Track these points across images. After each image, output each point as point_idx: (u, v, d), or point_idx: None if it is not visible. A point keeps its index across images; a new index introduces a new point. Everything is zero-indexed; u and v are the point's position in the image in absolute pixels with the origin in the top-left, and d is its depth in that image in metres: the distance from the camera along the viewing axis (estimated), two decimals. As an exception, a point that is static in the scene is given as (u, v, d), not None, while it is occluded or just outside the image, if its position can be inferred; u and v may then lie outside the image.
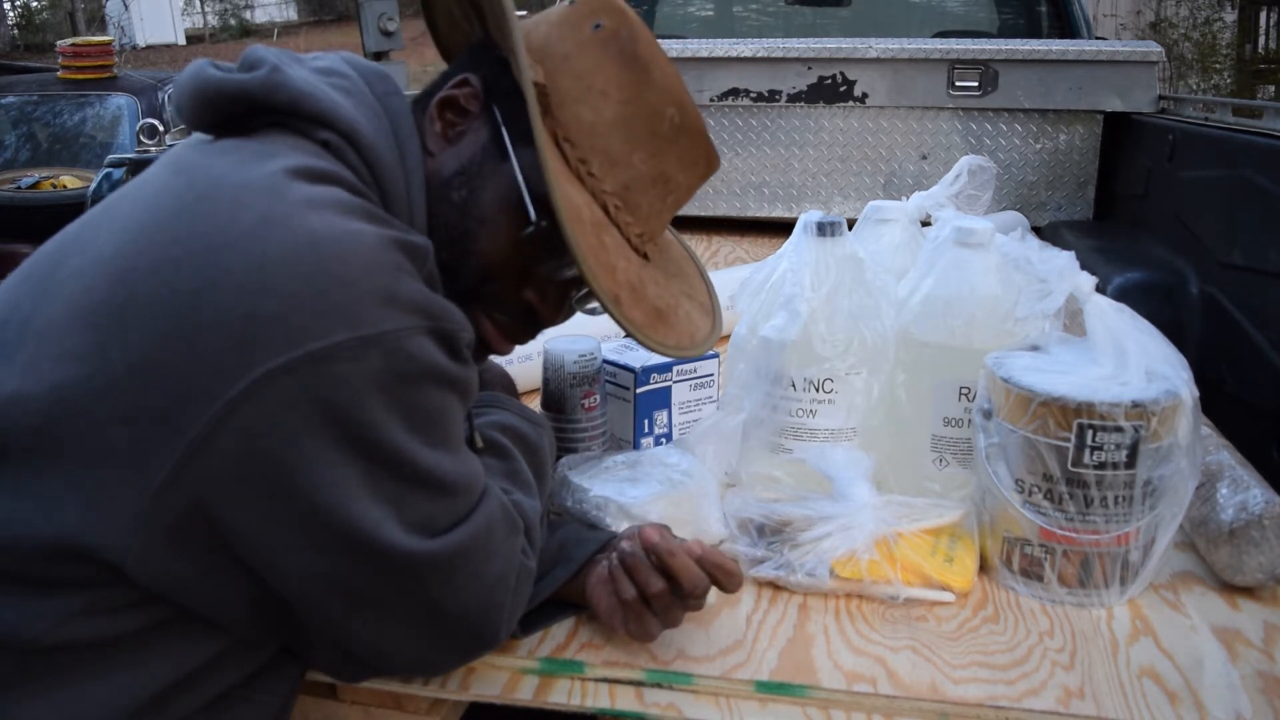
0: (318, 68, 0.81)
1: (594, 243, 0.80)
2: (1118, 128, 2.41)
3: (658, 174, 0.85)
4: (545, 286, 0.86)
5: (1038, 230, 2.33)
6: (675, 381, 1.23)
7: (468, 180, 0.82)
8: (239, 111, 0.77)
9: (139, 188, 0.74)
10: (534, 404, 1.50)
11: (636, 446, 1.20)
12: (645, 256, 0.89)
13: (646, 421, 1.22)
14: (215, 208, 0.67)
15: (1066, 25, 3.06)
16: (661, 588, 0.84)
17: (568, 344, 1.15)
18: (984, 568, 1.03)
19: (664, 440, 1.23)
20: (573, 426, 1.17)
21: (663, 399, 1.22)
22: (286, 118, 0.76)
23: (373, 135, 0.77)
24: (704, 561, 0.84)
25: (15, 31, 15.78)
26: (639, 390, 1.20)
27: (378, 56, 2.61)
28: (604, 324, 0.90)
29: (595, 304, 0.88)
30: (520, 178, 0.81)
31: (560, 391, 1.16)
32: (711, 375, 1.25)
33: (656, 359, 1.21)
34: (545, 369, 1.17)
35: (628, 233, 0.86)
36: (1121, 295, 1.66)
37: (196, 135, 0.79)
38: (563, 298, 0.87)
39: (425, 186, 0.82)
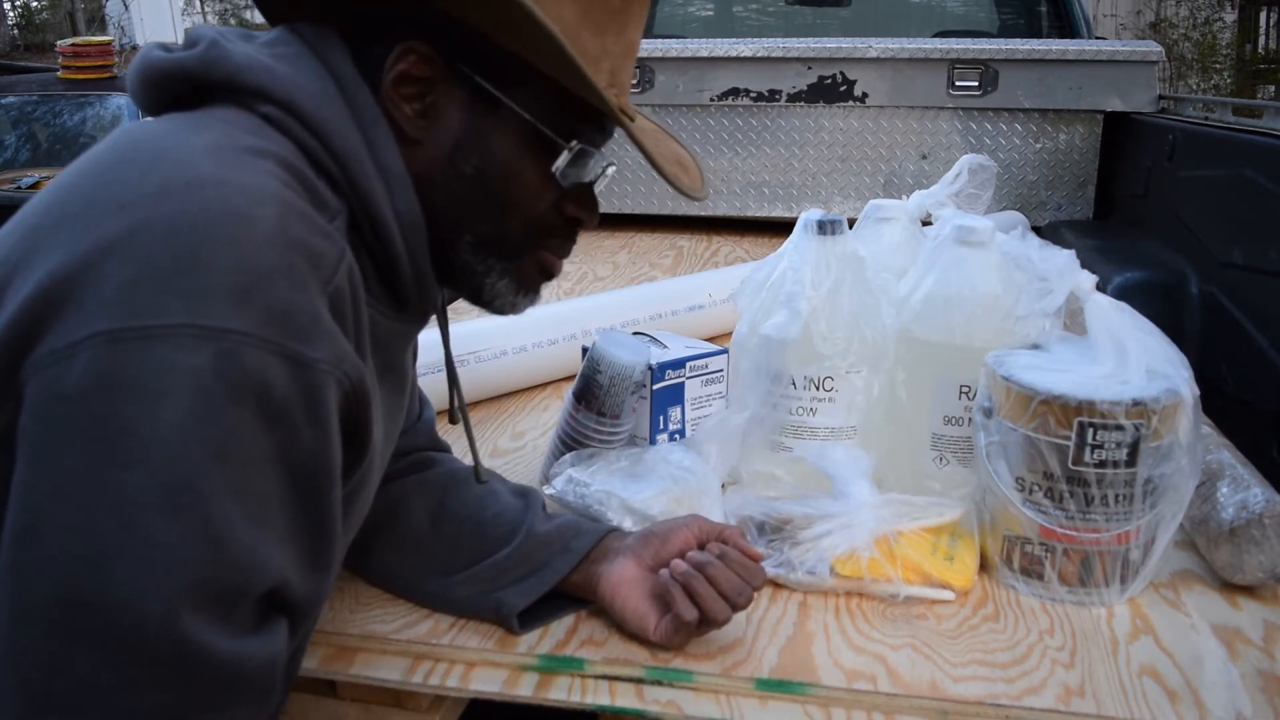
0: (264, 41, 0.79)
1: (640, 137, 0.80)
2: (1118, 128, 2.41)
3: (626, 46, 0.83)
4: (580, 195, 0.84)
5: (1038, 230, 2.33)
6: (688, 378, 1.23)
7: (473, 148, 0.79)
8: (183, 91, 0.75)
9: (77, 159, 0.72)
10: (537, 397, 1.50)
11: (653, 443, 1.20)
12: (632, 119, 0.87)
13: (662, 418, 1.22)
14: (126, 171, 0.65)
15: (1066, 25, 3.06)
16: (729, 616, 0.86)
17: (631, 355, 1.14)
18: (984, 566, 1.03)
19: (678, 436, 1.23)
20: (613, 426, 1.16)
21: (676, 395, 1.22)
22: (228, 93, 0.74)
23: (314, 100, 0.74)
24: (736, 567, 0.87)
25: (15, 31, 15.78)
26: (655, 386, 1.20)
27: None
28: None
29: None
30: (531, 119, 0.78)
31: (620, 397, 1.14)
32: (721, 371, 1.26)
33: (670, 355, 1.22)
34: (604, 375, 1.13)
35: (629, 111, 0.83)
36: (1121, 294, 1.65)
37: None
38: (592, 193, 0.86)
39: (429, 163, 0.78)
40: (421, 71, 0.77)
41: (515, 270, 0.84)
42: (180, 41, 0.80)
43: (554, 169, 0.80)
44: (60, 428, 0.59)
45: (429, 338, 0.96)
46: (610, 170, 0.87)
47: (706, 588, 0.86)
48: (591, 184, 0.85)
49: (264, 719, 0.67)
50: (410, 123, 0.78)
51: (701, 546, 0.91)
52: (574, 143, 0.79)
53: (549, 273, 0.86)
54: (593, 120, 0.81)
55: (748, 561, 0.88)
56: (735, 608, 0.86)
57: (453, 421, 0.98)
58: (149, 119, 0.76)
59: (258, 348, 0.60)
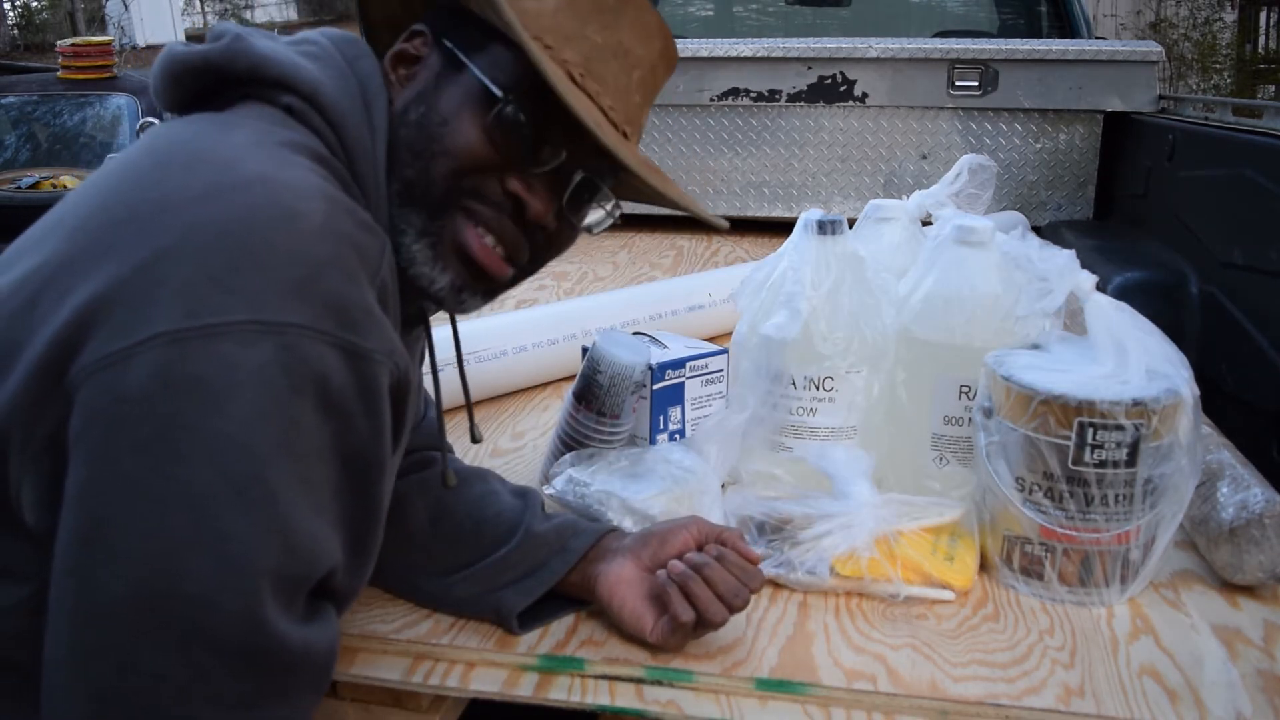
0: (288, 40, 0.81)
1: (577, 94, 0.77)
2: (1118, 128, 2.41)
3: (615, 44, 0.82)
4: (529, 178, 0.81)
5: (1038, 230, 2.33)
6: (688, 378, 1.23)
7: (424, 99, 0.80)
8: (206, 85, 0.77)
9: (106, 163, 0.74)
10: (538, 394, 1.50)
11: (653, 443, 1.21)
12: (625, 135, 0.85)
13: (661, 418, 1.22)
14: (167, 174, 0.67)
15: (1066, 25, 3.06)
16: (726, 618, 0.86)
17: (631, 355, 1.14)
18: (984, 566, 1.03)
19: (678, 436, 1.23)
20: (613, 426, 1.16)
21: (676, 395, 1.22)
22: (250, 86, 0.76)
23: (336, 95, 0.76)
24: (734, 569, 0.87)
25: (15, 31, 15.76)
26: (655, 387, 1.20)
27: (378, 56, 2.61)
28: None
29: (597, 213, 0.86)
30: (479, 73, 0.78)
31: (620, 397, 1.14)
32: (721, 371, 1.26)
33: (670, 355, 1.21)
34: (604, 375, 1.13)
35: (599, 102, 0.81)
36: (1121, 294, 1.65)
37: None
38: (551, 189, 0.82)
39: (389, 115, 0.80)
40: (418, 50, 0.82)
41: (434, 232, 0.80)
42: (182, 40, 0.81)
43: (489, 117, 0.78)
44: (124, 429, 0.60)
45: (437, 335, 0.96)
46: (610, 210, 0.86)
47: (703, 589, 0.85)
48: (552, 179, 0.82)
49: (316, 707, 0.68)
50: (394, 90, 0.81)
51: (700, 548, 0.91)
52: (510, 96, 0.77)
53: (469, 252, 0.80)
54: (570, 120, 0.77)
55: (745, 564, 0.88)
56: (732, 610, 0.86)
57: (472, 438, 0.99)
58: (175, 120, 0.77)
59: (316, 340, 0.62)
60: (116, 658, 0.60)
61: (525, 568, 0.92)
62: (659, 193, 0.84)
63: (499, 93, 0.78)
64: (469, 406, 0.99)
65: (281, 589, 0.62)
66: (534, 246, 0.84)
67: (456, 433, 1.10)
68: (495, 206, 0.81)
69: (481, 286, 0.83)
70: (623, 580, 0.90)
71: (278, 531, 0.61)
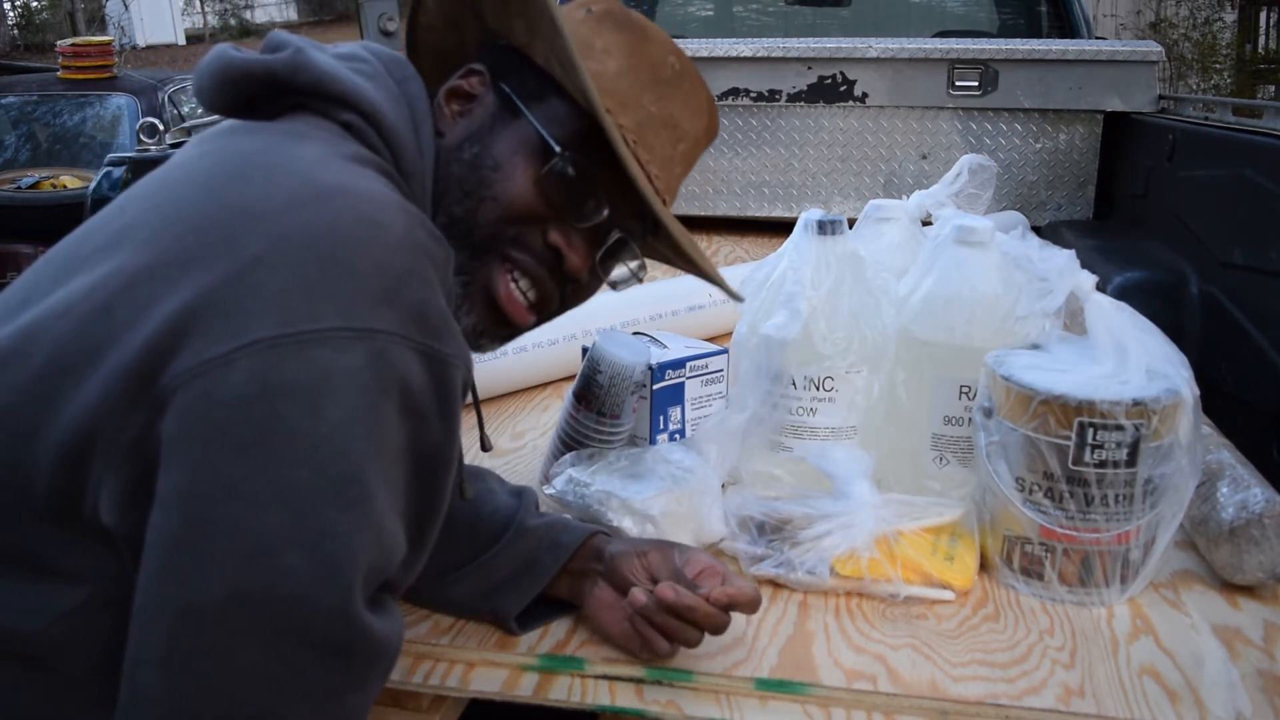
0: (339, 54, 0.82)
1: (631, 160, 0.81)
2: (1118, 127, 2.41)
3: (666, 116, 0.86)
4: (570, 231, 0.84)
5: (1038, 230, 2.33)
6: (688, 378, 1.23)
7: (478, 139, 0.83)
8: (261, 93, 0.78)
9: (166, 170, 0.74)
10: (539, 395, 1.51)
11: (653, 443, 1.21)
12: (665, 203, 0.88)
13: (662, 418, 1.22)
14: (246, 185, 0.68)
15: (1066, 25, 3.06)
16: (699, 639, 0.85)
17: (631, 355, 1.14)
18: (984, 566, 1.03)
19: (678, 436, 1.23)
20: (613, 426, 1.16)
21: (676, 395, 1.23)
22: (308, 99, 0.77)
23: (393, 117, 0.78)
24: (722, 601, 0.84)
25: (15, 31, 15.77)
26: (655, 386, 1.20)
27: (378, 56, 2.61)
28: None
29: (622, 270, 0.89)
30: (537, 125, 0.82)
31: (620, 397, 1.14)
32: (721, 371, 1.26)
33: (670, 355, 1.22)
34: (604, 375, 1.13)
35: (646, 170, 0.85)
36: (1121, 294, 1.65)
37: (227, 123, 0.80)
38: (589, 243, 0.86)
39: (435, 161, 0.82)
40: (473, 88, 0.85)
41: (470, 272, 0.83)
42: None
43: (543, 171, 0.81)
44: (222, 432, 0.61)
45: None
46: (635, 270, 0.90)
47: (667, 620, 0.84)
48: (591, 235, 0.85)
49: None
50: (444, 121, 0.84)
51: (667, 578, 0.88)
52: (566, 152, 0.81)
53: (496, 299, 0.84)
54: (616, 180, 0.81)
55: (695, 603, 0.83)
56: (714, 633, 0.85)
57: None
58: (234, 127, 0.78)
59: (402, 345, 0.64)
60: (213, 657, 0.60)
61: (518, 563, 0.93)
62: (689, 259, 0.88)
63: (556, 147, 0.81)
64: (478, 413, 0.99)
65: (367, 584, 0.64)
66: (561, 296, 0.88)
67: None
68: (536, 257, 0.84)
69: (502, 332, 0.88)
70: (604, 606, 0.91)
71: (372, 528, 0.63)
